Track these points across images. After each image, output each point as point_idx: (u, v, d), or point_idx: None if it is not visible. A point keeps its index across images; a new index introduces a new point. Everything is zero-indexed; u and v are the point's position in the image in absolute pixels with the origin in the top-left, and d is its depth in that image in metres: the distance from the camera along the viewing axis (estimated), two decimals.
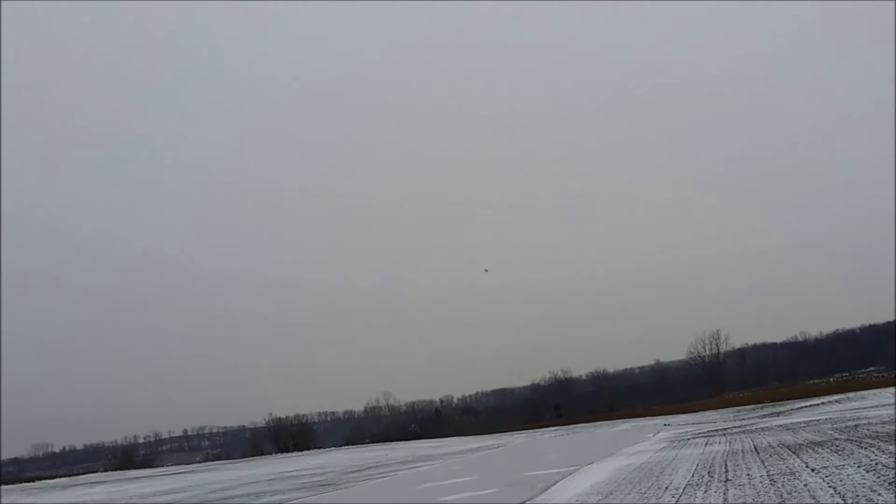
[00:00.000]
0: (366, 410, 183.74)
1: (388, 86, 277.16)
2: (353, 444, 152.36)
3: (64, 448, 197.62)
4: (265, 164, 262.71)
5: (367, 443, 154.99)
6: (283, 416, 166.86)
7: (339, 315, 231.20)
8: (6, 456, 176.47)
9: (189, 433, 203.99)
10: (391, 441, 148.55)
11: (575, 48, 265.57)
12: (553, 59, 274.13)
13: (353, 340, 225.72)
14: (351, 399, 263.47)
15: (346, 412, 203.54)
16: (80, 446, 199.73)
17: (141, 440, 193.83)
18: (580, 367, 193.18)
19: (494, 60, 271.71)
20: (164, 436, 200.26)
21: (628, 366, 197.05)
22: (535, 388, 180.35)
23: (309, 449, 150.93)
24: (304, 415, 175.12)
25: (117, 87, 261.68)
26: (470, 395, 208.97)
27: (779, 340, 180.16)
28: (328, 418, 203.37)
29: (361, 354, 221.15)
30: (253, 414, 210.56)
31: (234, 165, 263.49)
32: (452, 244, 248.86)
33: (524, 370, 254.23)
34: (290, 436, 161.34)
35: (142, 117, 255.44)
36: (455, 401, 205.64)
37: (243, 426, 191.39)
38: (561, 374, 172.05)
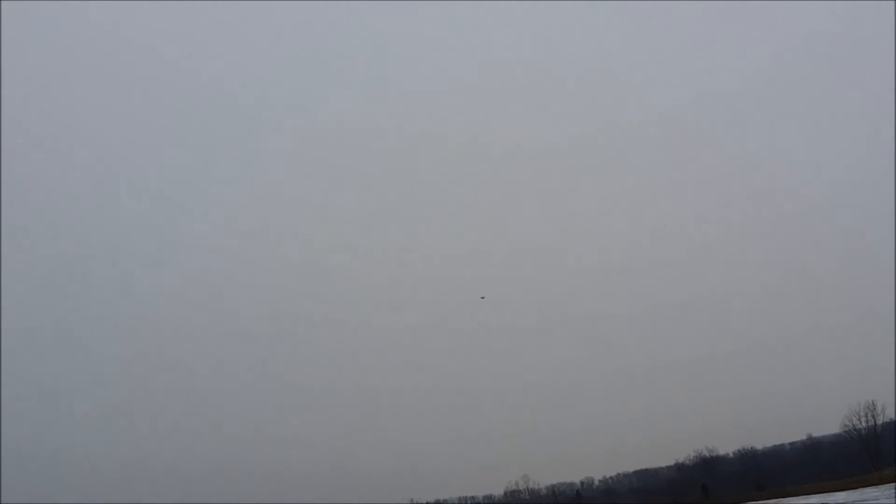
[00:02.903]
0: (506, 494, 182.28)
1: None
2: None
3: None
4: None
5: None
6: (423, 502, 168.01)
7: (478, 396, 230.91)
8: None
9: None
10: None
11: None
12: None
13: (491, 422, 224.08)
14: (490, 482, 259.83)
15: (486, 496, 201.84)
16: None
17: None
18: (726, 445, 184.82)
19: None
20: None
21: (777, 442, 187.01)
22: (680, 468, 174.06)
23: None
24: (444, 500, 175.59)
25: None
26: (611, 477, 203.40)
27: None
28: (468, 502, 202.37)
29: (500, 436, 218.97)
30: (394, 498, 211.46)
31: None
32: (589, 323, 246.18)
33: (667, 449, 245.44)
34: None
35: None
36: (596, 483, 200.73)
37: None
38: (706, 453, 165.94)
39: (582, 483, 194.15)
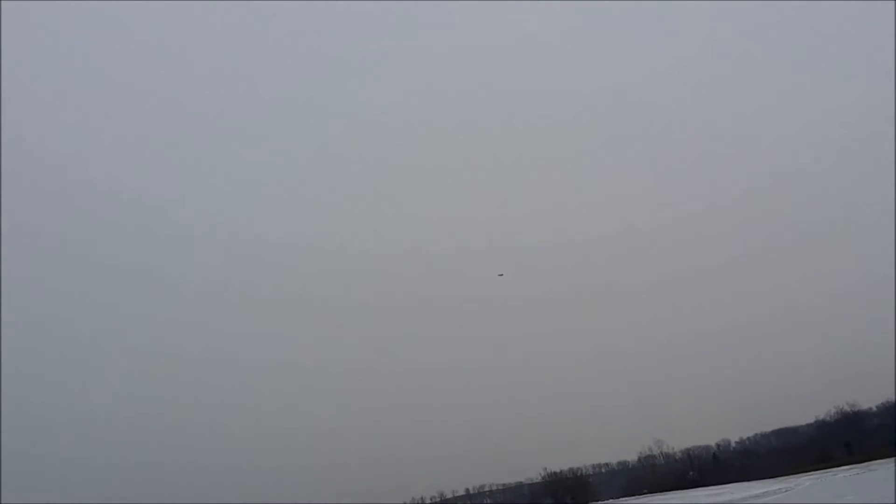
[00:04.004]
0: (639, 460, 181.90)
1: None
2: (629, 496, 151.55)
3: None
4: None
5: (645, 493, 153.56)
6: (558, 471, 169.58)
7: (606, 360, 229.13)
8: None
9: (471, 491, 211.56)
10: (668, 490, 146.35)
11: None
12: None
13: (622, 386, 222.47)
14: (624, 448, 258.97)
15: (619, 462, 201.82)
16: None
17: (428, 500, 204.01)
18: (868, 399, 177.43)
19: None
20: (448, 495, 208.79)
21: None
22: (821, 425, 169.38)
23: (587, 502, 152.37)
24: (578, 468, 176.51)
25: None
26: (748, 438, 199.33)
27: None
28: (602, 470, 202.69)
29: (631, 400, 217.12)
30: (529, 469, 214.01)
31: None
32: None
33: (805, 405, 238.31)
34: (567, 490, 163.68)
35: None
36: (733, 444, 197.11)
37: (521, 482, 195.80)
38: (847, 408, 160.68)
39: (718, 445, 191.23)
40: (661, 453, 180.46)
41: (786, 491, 73.69)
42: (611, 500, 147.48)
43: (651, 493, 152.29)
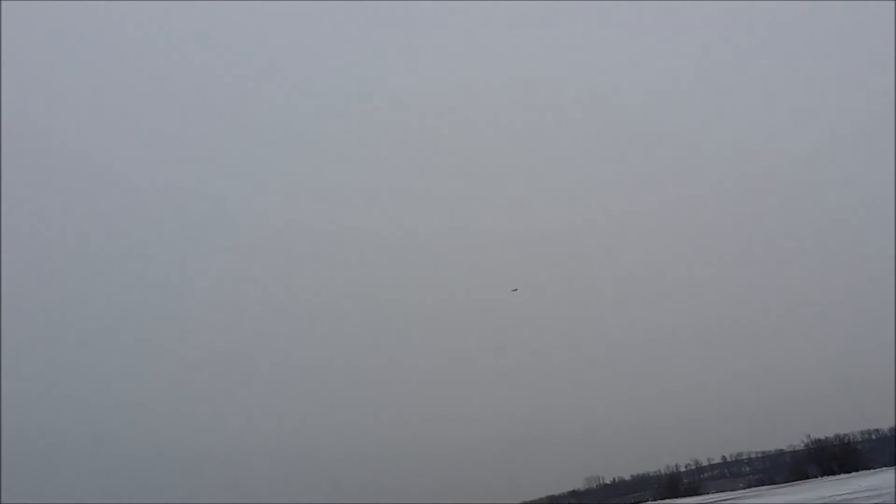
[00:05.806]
0: None
1: None
2: None
3: (614, 479, 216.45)
4: None
5: None
6: (822, 438, 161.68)
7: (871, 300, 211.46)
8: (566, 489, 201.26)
9: (727, 459, 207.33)
10: None
11: None
12: None
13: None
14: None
15: (891, 429, 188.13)
16: (627, 477, 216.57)
17: (682, 469, 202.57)
18: None
19: None
20: (704, 463, 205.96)
21: None
22: None
23: (857, 470, 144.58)
24: (844, 434, 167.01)
25: None
26: None
27: None
28: (873, 436, 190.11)
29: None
30: (790, 437, 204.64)
31: None
32: None
33: None
34: (833, 458, 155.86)
35: None
36: None
37: (781, 450, 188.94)
38: None
39: None
40: None
41: None
42: (883, 469, 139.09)
43: None
